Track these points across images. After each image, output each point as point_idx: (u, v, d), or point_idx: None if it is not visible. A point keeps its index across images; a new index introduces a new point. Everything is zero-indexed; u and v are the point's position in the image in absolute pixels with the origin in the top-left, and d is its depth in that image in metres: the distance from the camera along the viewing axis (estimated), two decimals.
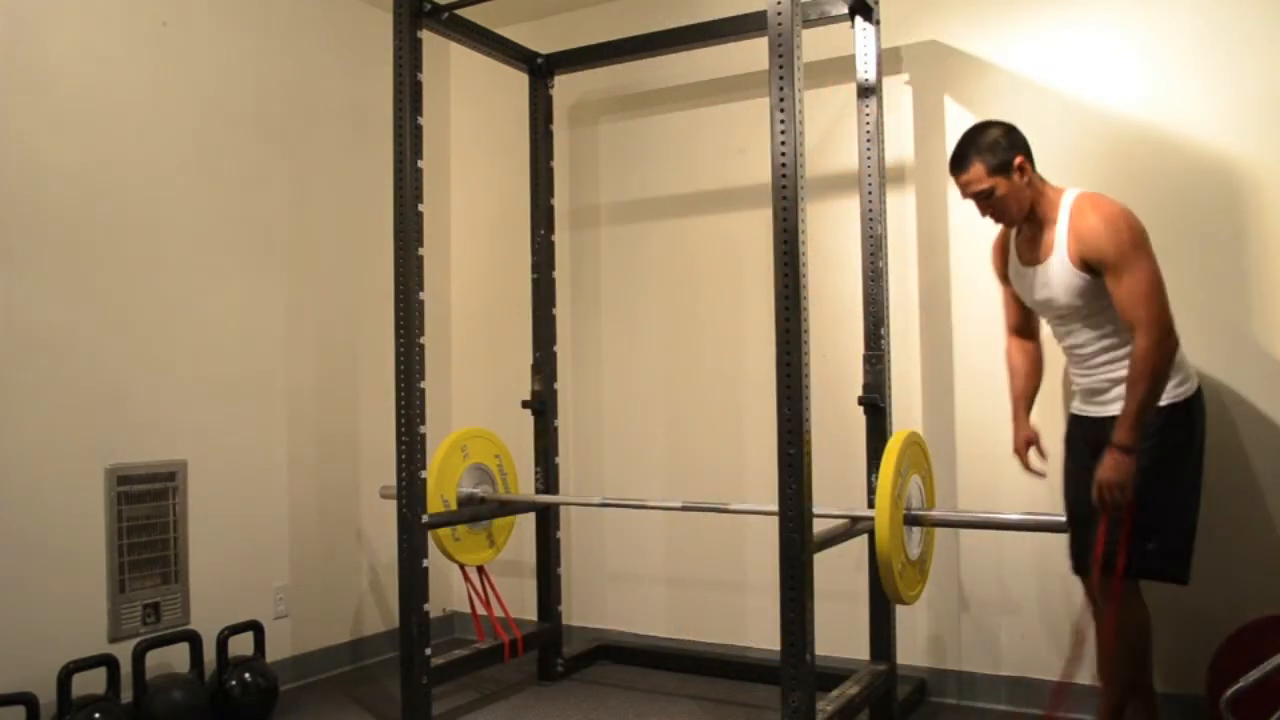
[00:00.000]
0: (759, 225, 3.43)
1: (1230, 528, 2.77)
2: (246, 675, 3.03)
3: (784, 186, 2.36)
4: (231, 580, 3.25)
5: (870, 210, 3.03)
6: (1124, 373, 2.38)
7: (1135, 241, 2.33)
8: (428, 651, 2.92)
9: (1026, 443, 2.71)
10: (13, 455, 2.70)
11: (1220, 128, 2.82)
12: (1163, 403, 2.36)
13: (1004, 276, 2.73)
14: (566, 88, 3.77)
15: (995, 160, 2.46)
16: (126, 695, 2.80)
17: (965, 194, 2.54)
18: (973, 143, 2.50)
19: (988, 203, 2.51)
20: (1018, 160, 2.46)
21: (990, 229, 3.11)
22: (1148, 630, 2.49)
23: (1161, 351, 2.30)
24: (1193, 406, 2.42)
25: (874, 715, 2.93)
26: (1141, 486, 2.34)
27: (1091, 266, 2.38)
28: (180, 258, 3.14)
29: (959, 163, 2.52)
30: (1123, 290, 2.33)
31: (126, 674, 2.80)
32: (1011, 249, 2.66)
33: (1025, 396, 2.73)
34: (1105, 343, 2.46)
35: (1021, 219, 2.54)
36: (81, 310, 2.87)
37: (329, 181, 3.67)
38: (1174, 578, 2.41)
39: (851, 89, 3.14)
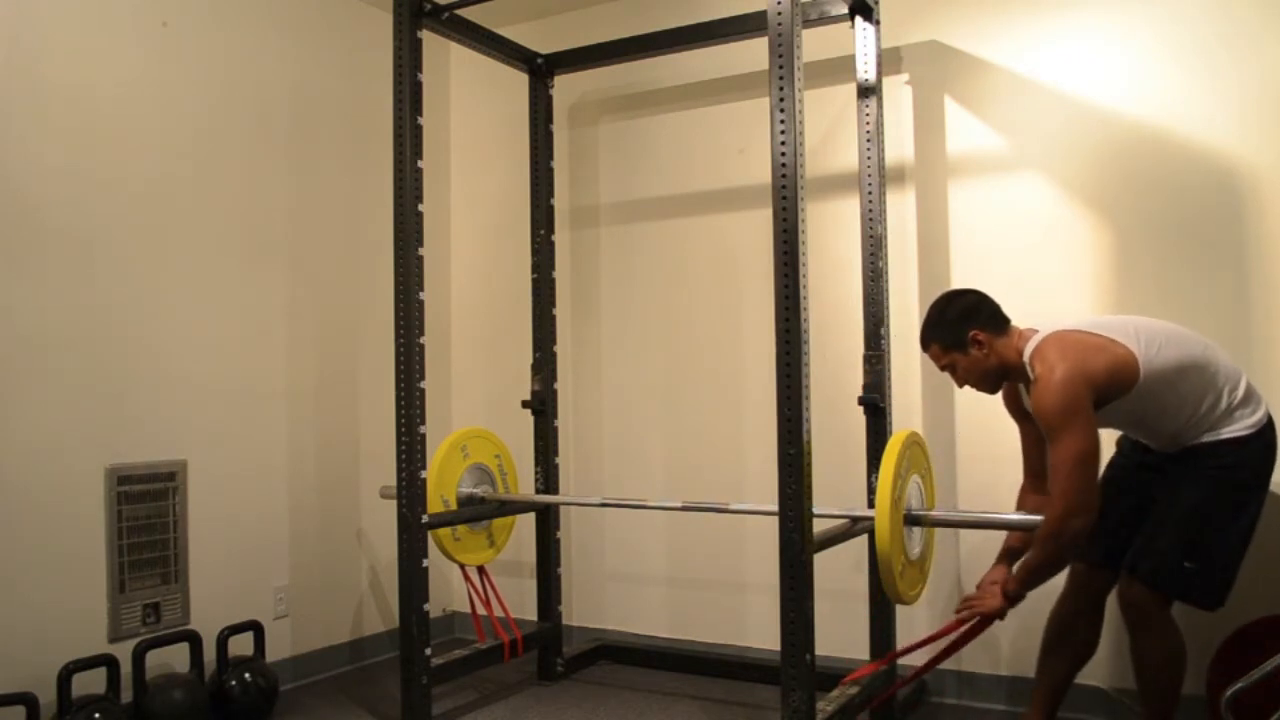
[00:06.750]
0: (759, 225, 3.43)
1: None
2: (246, 675, 3.03)
3: (784, 186, 2.36)
4: (231, 580, 3.25)
5: (870, 210, 3.03)
6: (1193, 433, 2.35)
7: (1067, 410, 2.25)
8: (428, 651, 2.92)
9: (989, 583, 2.55)
10: (13, 455, 2.70)
11: (1221, 128, 2.82)
12: (1235, 434, 2.33)
13: (1022, 414, 2.61)
14: (566, 88, 3.78)
15: (951, 338, 2.48)
16: (126, 695, 2.80)
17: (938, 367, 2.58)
18: (929, 321, 2.54)
19: (955, 375, 2.53)
20: (971, 334, 2.46)
21: (989, 230, 3.13)
22: (1182, 659, 2.44)
23: (1064, 528, 2.27)
24: (1261, 439, 2.36)
25: (874, 715, 2.93)
26: (1198, 505, 2.34)
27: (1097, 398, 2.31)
28: (180, 257, 3.14)
29: (922, 341, 2.56)
30: (1052, 458, 2.31)
31: (126, 674, 2.80)
32: (1022, 391, 2.58)
33: (1016, 550, 2.57)
34: (1174, 425, 2.39)
35: (998, 383, 2.53)
36: (81, 310, 2.87)
37: (329, 181, 3.67)
38: (1202, 603, 2.39)
39: (851, 89, 3.14)
